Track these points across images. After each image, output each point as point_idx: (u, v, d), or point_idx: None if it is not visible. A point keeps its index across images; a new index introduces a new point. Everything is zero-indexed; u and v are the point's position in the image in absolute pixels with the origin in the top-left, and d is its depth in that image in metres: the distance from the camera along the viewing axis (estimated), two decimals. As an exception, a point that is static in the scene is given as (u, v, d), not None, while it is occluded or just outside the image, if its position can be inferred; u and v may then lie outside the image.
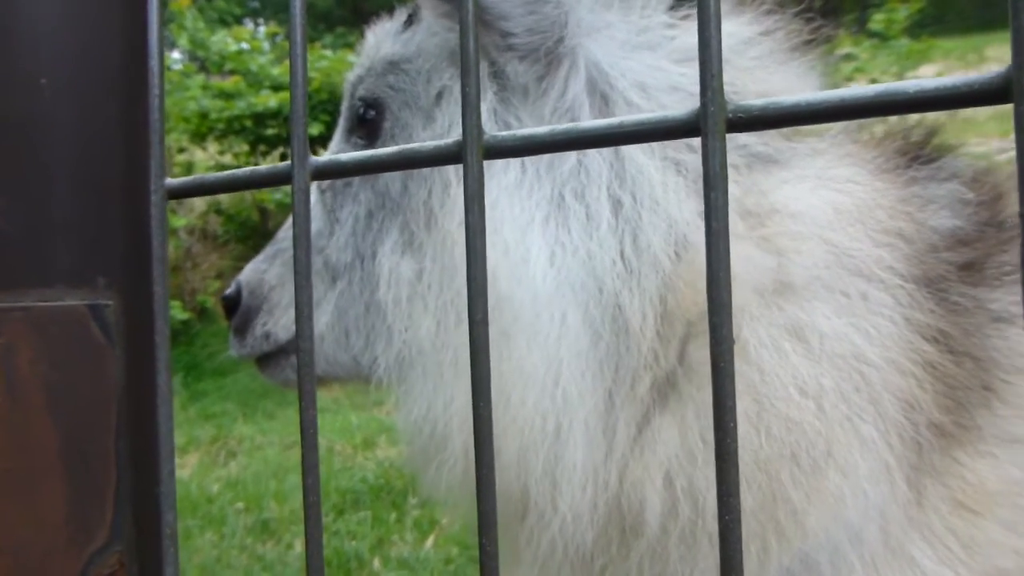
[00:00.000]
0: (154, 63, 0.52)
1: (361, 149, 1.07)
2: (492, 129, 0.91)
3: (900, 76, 8.14)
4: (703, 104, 0.36)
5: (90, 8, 0.52)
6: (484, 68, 0.93)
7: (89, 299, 0.52)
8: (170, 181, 0.52)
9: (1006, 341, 0.89)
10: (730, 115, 0.36)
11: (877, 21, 8.24)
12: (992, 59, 10.94)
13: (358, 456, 4.93)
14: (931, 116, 1.03)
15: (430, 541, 3.72)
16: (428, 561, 3.52)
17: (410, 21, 1.04)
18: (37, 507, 0.49)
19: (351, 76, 1.10)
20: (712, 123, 0.36)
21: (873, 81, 7.94)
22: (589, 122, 0.39)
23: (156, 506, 0.52)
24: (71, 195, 0.51)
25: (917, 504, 0.85)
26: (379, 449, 4.98)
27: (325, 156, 1.06)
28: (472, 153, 0.41)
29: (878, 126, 1.10)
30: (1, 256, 0.50)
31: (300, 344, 0.46)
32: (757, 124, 0.36)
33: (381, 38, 1.07)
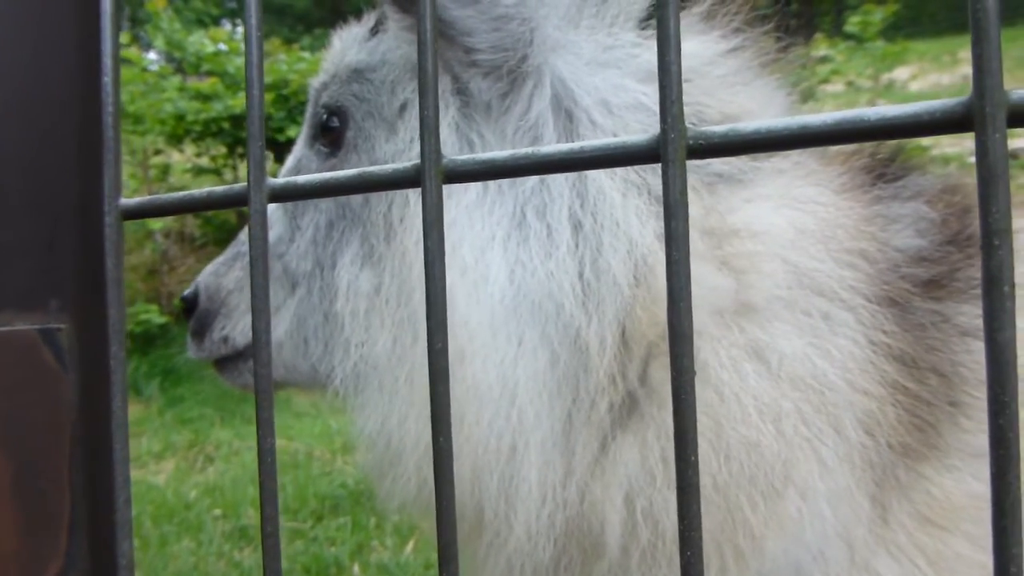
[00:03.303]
0: (107, 79, 0.51)
1: (324, 157, 1.06)
2: (454, 145, 0.90)
3: (875, 78, 8.22)
4: (663, 131, 0.36)
5: (41, 23, 0.50)
6: (447, 84, 0.92)
7: (41, 323, 0.50)
8: (125, 201, 0.51)
9: (973, 355, 0.89)
10: (690, 142, 0.36)
11: (853, 23, 8.32)
12: (964, 61, 11.06)
13: (337, 461, 4.90)
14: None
15: (410, 547, 3.70)
16: (408, 567, 3.50)
17: (376, 29, 1.03)
18: (-14, 539, 0.48)
19: (315, 82, 1.09)
20: (672, 150, 0.35)
21: (849, 83, 8.01)
22: (550, 147, 0.39)
23: (112, 534, 0.51)
24: (20, 215, 0.50)
25: (882, 521, 0.85)
26: (359, 454, 4.94)
27: (281, 177, 1.05)
28: (430, 178, 0.40)
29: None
30: (-52, 280, 0.49)
31: (257, 370, 0.45)
32: (718, 151, 0.35)
33: (347, 44, 1.06)
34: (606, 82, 0.88)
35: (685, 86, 0.87)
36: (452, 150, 0.89)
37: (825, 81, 7.69)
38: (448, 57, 0.91)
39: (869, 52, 8.06)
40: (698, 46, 0.90)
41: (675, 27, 0.36)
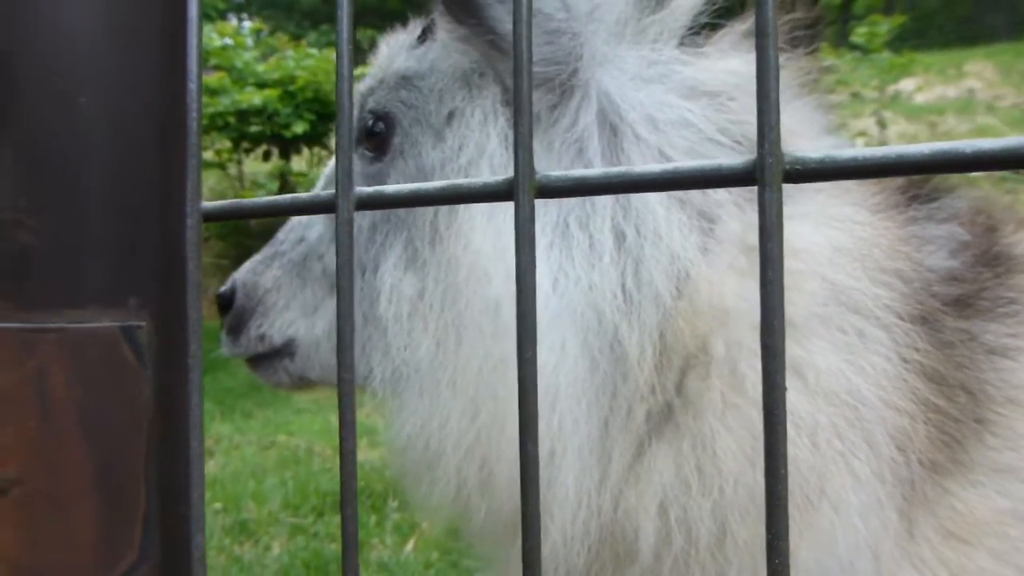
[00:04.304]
0: (193, 85, 0.52)
1: (368, 162, 1.07)
2: (502, 156, 0.92)
3: (881, 89, 8.24)
4: (760, 155, 0.37)
5: (130, 28, 0.51)
6: (498, 94, 0.93)
7: (121, 320, 0.51)
8: (206, 204, 0.52)
9: (999, 373, 0.90)
10: (787, 167, 0.37)
11: (859, 34, 8.34)
12: (971, 74, 11.11)
13: (338, 457, 4.89)
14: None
15: (410, 545, 3.71)
16: (408, 565, 3.50)
17: (424, 36, 1.04)
18: (69, 528, 0.49)
19: (361, 87, 1.10)
20: (769, 175, 0.37)
21: (855, 94, 8.03)
22: (644, 167, 0.40)
23: (186, 528, 0.52)
24: (105, 214, 0.51)
25: (908, 535, 0.87)
26: (360, 451, 4.94)
27: (322, 180, 1.05)
28: (523, 192, 0.42)
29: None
30: (34, 276, 0.50)
31: (340, 374, 0.47)
32: (813, 176, 0.37)
33: (395, 51, 1.07)
34: (651, 98, 0.90)
35: (729, 104, 0.89)
36: (500, 160, 0.91)
37: (830, 92, 7.70)
38: (500, 68, 0.92)
39: (875, 63, 8.08)
40: (741, 64, 0.92)
41: (774, 56, 0.37)
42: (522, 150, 0.41)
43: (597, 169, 0.41)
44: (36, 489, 0.48)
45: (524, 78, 0.42)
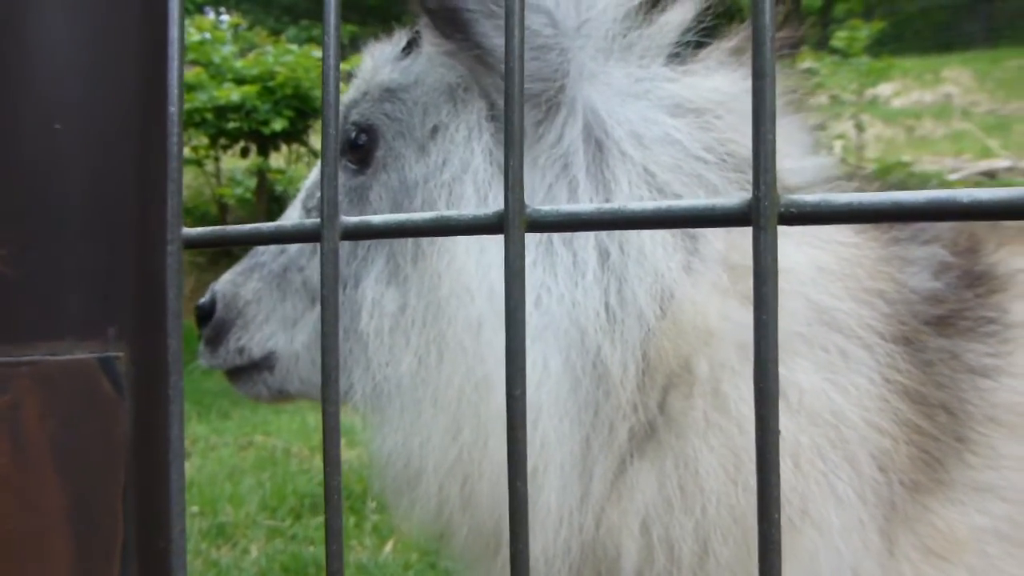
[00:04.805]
0: (173, 109, 0.51)
1: (351, 174, 1.06)
2: (487, 171, 0.91)
3: (859, 93, 8.32)
4: (755, 197, 0.36)
5: (107, 52, 0.50)
6: (483, 110, 0.92)
7: (99, 351, 0.50)
8: (187, 231, 0.51)
9: (979, 392, 0.91)
10: (782, 209, 0.37)
11: (839, 38, 8.41)
12: (947, 80, 11.24)
13: (315, 458, 4.87)
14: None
15: (389, 546, 3.69)
16: (387, 567, 3.49)
17: (409, 48, 1.03)
18: (42, 565, 0.48)
19: (345, 98, 1.09)
20: (764, 217, 0.36)
21: (833, 97, 8.11)
22: (637, 204, 0.39)
23: (166, 563, 0.51)
24: (82, 243, 0.50)
25: (889, 553, 0.87)
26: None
27: (303, 191, 1.03)
28: (515, 227, 0.41)
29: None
30: (8, 307, 0.48)
31: (325, 408, 0.46)
32: (809, 219, 0.36)
33: (379, 62, 1.06)
34: (637, 114, 0.90)
35: (715, 122, 0.89)
36: (484, 176, 0.90)
37: (811, 95, 7.76)
38: (486, 84, 0.91)
39: (854, 67, 8.15)
40: (727, 82, 0.92)
41: (771, 98, 0.37)
42: (513, 184, 0.41)
43: (589, 204, 0.40)
44: (7, 525, 0.46)
45: (516, 110, 0.41)
